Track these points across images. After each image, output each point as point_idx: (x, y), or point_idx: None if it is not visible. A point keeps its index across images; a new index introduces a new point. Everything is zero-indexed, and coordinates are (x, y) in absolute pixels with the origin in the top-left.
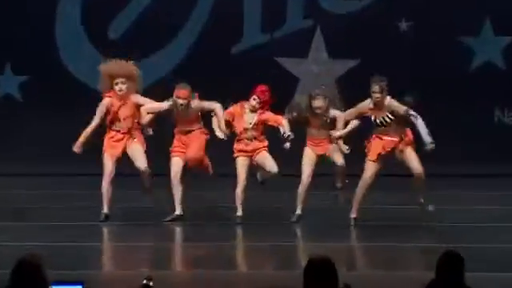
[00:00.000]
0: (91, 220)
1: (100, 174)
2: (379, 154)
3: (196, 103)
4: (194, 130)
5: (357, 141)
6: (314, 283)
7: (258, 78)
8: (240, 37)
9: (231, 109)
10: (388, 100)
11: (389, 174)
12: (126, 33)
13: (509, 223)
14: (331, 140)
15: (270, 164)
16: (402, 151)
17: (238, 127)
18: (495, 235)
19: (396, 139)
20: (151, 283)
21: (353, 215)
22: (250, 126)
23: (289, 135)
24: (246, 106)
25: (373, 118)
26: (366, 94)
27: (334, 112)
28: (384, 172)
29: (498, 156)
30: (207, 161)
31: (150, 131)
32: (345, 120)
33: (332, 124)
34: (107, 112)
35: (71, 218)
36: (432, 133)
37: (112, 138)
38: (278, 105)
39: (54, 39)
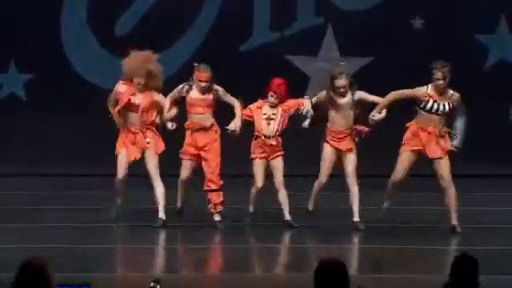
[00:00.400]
0: (95, 221)
1: (104, 175)
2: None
3: (220, 91)
4: (207, 128)
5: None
6: (324, 286)
7: (267, 76)
8: (249, 35)
9: (249, 109)
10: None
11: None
12: (134, 30)
13: None
14: (352, 135)
15: (279, 180)
16: (438, 159)
17: (258, 124)
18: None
19: (435, 132)
20: (159, 286)
21: (385, 205)
22: (272, 134)
23: (308, 111)
24: (265, 103)
25: (429, 105)
26: (379, 93)
27: (361, 94)
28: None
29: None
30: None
31: (174, 125)
32: (390, 100)
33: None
34: (117, 101)
35: (74, 220)
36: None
37: (126, 137)
38: None
39: (60, 37)
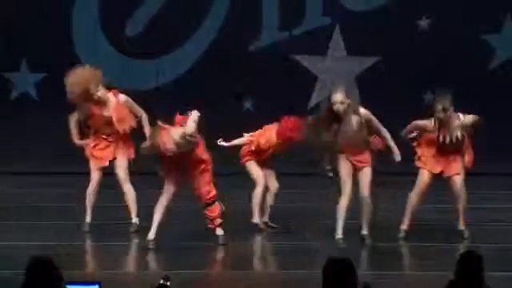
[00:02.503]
0: (106, 219)
1: (113, 173)
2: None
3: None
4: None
5: None
6: (332, 282)
7: (275, 75)
8: (258, 34)
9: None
10: (459, 116)
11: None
12: (144, 30)
13: None
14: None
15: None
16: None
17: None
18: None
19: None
20: (168, 283)
21: (403, 226)
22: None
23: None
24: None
25: (441, 139)
26: (386, 92)
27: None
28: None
29: None
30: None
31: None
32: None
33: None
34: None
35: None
36: None
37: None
38: (297, 102)
39: (71, 37)
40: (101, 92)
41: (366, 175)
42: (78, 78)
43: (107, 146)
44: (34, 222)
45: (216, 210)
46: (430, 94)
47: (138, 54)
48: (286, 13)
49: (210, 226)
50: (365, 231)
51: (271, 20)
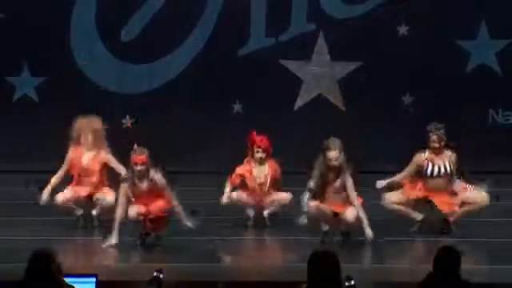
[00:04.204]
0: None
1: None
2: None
3: (158, 177)
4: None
5: None
6: (317, 274)
7: (262, 78)
8: (246, 40)
9: (240, 170)
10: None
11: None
12: (138, 36)
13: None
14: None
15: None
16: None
17: (251, 184)
18: (495, 229)
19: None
20: (161, 275)
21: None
22: (263, 180)
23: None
24: (253, 161)
25: (430, 169)
26: (367, 94)
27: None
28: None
29: (491, 154)
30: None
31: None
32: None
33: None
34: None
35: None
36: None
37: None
38: (283, 104)
39: (70, 43)
40: None
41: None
42: None
43: None
44: (34, 218)
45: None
46: (409, 97)
47: (133, 59)
48: (272, 20)
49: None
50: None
51: (259, 27)
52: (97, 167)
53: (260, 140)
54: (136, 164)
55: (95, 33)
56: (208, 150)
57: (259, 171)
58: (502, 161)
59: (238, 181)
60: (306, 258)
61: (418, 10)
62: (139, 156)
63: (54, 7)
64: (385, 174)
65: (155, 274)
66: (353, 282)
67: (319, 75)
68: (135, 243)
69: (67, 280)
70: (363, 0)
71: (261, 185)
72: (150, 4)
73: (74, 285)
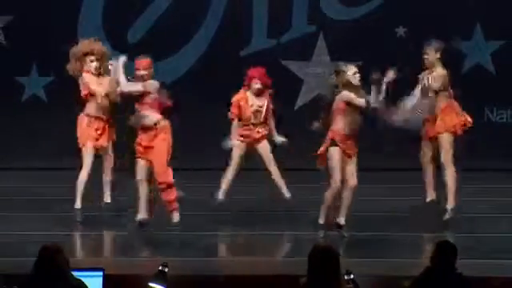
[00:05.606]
0: (107, 211)
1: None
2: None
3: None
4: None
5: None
6: (317, 268)
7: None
8: (249, 41)
9: (236, 98)
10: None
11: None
12: (144, 37)
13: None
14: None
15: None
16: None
17: (245, 113)
18: (489, 225)
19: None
20: (166, 269)
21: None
22: (260, 108)
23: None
24: (249, 91)
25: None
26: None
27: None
28: (381, 166)
29: (487, 152)
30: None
31: None
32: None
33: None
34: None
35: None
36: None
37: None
38: (283, 104)
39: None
40: None
41: (353, 164)
42: None
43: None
44: (45, 214)
45: (172, 194)
46: (406, 96)
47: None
48: (274, 22)
49: (168, 209)
50: (342, 220)
51: (261, 28)
52: None
53: (261, 75)
54: (138, 69)
55: (102, 34)
56: (212, 148)
57: (255, 101)
58: (496, 158)
59: (236, 111)
60: (306, 252)
61: (415, 12)
62: (142, 60)
63: (61, 8)
64: (385, 173)
65: (160, 267)
66: (352, 276)
67: (319, 75)
68: (144, 237)
69: (75, 274)
70: (362, 2)
71: (256, 113)
72: (155, 5)
73: (81, 278)
